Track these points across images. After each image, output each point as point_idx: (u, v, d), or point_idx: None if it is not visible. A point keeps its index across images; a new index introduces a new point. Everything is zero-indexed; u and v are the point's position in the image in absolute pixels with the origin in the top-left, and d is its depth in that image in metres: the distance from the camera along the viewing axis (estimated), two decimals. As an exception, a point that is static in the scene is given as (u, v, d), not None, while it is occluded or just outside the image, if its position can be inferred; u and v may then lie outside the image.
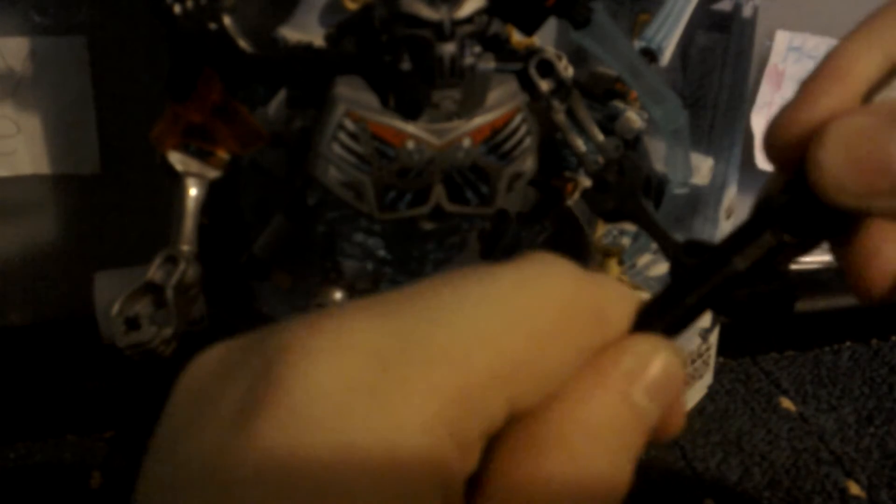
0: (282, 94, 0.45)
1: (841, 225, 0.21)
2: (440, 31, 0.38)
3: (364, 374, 0.16)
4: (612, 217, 0.46)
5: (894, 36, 0.20)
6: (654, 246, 0.45)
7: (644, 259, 0.55)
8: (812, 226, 0.20)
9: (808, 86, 0.20)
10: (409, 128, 0.41)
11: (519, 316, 0.17)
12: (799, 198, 0.20)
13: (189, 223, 0.45)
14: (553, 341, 0.17)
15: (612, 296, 0.19)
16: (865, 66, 0.20)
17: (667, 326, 0.20)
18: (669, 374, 0.18)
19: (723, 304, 0.21)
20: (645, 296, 0.21)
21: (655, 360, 0.18)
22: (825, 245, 0.22)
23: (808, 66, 0.72)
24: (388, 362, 0.16)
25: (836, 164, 0.19)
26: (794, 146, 0.20)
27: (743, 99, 0.66)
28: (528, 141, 0.43)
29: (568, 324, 0.17)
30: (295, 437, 0.15)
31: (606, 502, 0.17)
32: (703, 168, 0.59)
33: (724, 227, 0.60)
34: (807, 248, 0.21)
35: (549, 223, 0.51)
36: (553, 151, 0.48)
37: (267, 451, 0.15)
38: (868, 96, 0.20)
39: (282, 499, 0.15)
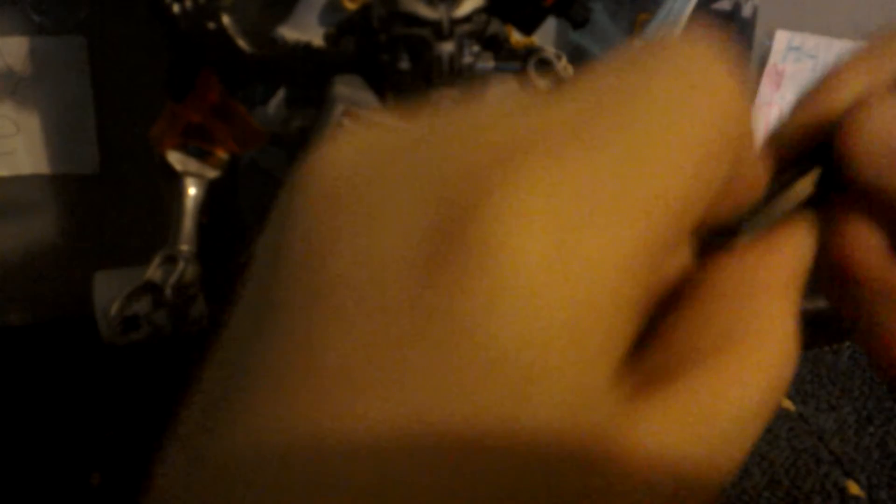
0: (280, 94, 0.45)
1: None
2: (439, 31, 0.38)
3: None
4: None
5: None
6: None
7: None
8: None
9: (839, 67, 0.21)
10: (408, 127, 0.40)
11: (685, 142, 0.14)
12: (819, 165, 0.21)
13: (188, 223, 0.45)
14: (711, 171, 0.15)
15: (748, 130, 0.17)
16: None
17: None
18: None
19: None
20: None
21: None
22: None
23: (807, 65, 0.72)
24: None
25: (869, 140, 0.19)
26: (820, 121, 0.20)
27: (742, 98, 0.66)
28: (526, 140, 0.43)
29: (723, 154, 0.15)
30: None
31: None
32: (702, 168, 0.59)
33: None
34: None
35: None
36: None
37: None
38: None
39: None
